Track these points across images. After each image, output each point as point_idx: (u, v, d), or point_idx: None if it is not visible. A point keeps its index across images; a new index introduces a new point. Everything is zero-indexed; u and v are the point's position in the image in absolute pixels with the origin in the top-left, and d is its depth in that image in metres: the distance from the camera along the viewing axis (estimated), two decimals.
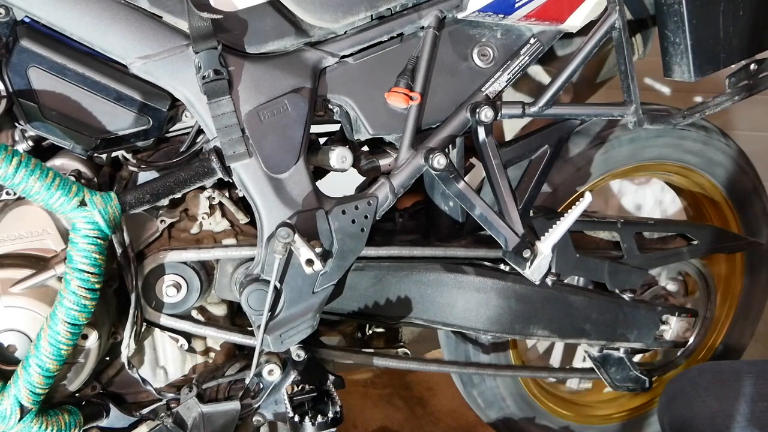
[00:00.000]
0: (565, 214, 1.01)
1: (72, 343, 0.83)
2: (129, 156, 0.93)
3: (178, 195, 0.90)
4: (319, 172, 1.13)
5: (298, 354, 1.01)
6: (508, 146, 1.05)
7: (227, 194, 1.01)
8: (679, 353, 1.37)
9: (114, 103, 0.84)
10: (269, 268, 0.88)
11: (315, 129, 1.00)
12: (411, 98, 0.92)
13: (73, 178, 0.84)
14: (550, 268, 1.03)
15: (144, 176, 0.93)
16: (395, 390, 1.76)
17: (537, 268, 1.02)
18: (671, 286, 1.32)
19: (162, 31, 0.82)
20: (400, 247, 1.05)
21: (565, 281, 1.19)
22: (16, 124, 0.87)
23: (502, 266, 1.11)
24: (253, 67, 0.86)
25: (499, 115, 0.97)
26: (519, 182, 1.06)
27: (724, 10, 1.01)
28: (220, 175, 0.89)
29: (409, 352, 1.22)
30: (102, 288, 0.84)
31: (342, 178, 1.08)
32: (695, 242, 1.27)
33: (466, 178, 0.98)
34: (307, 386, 1.01)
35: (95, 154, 0.90)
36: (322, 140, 1.17)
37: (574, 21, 0.99)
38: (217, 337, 1.04)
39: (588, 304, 1.16)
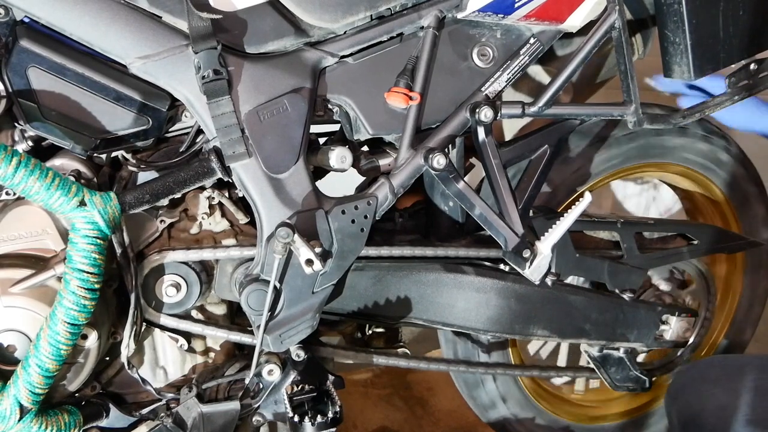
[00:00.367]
0: (565, 214, 1.01)
1: (72, 343, 0.83)
2: (129, 156, 0.93)
3: (178, 195, 0.91)
4: (319, 172, 1.13)
5: (298, 354, 1.01)
6: (508, 146, 1.04)
7: (227, 194, 1.01)
8: (679, 353, 1.37)
9: (113, 103, 0.84)
10: (269, 268, 0.88)
11: (315, 129, 1.00)
12: (411, 98, 0.92)
13: (72, 178, 0.84)
14: (549, 268, 1.03)
15: (144, 176, 0.93)
16: (395, 390, 1.76)
17: (537, 268, 1.02)
18: (664, 286, 1.31)
19: (161, 31, 0.82)
20: (400, 247, 1.05)
21: (565, 281, 1.19)
22: (16, 124, 0.87)
23: (501, 266, 1.11)
24: (253, 67, 0.86)
25: (499, 115, 0.97)
26: (519, 182, 1.06)
27: (724, 10, 1.01)
28: (219, 175, 0.89)
29: (409, 351, 1.22)
30: (102, 288, 0.84)
31: (342, 178, 1.08)
32: (695, 242, 1.27)
33: (466, 178, 0.98)
34: (306, 386, 1.01)
35: (95, 154, 0.91)
36: (321, 140, 1.17)
37: (574, 21, 0.98)
38: (216, 337, 1.04)
39: (588, 304, 1.16)
